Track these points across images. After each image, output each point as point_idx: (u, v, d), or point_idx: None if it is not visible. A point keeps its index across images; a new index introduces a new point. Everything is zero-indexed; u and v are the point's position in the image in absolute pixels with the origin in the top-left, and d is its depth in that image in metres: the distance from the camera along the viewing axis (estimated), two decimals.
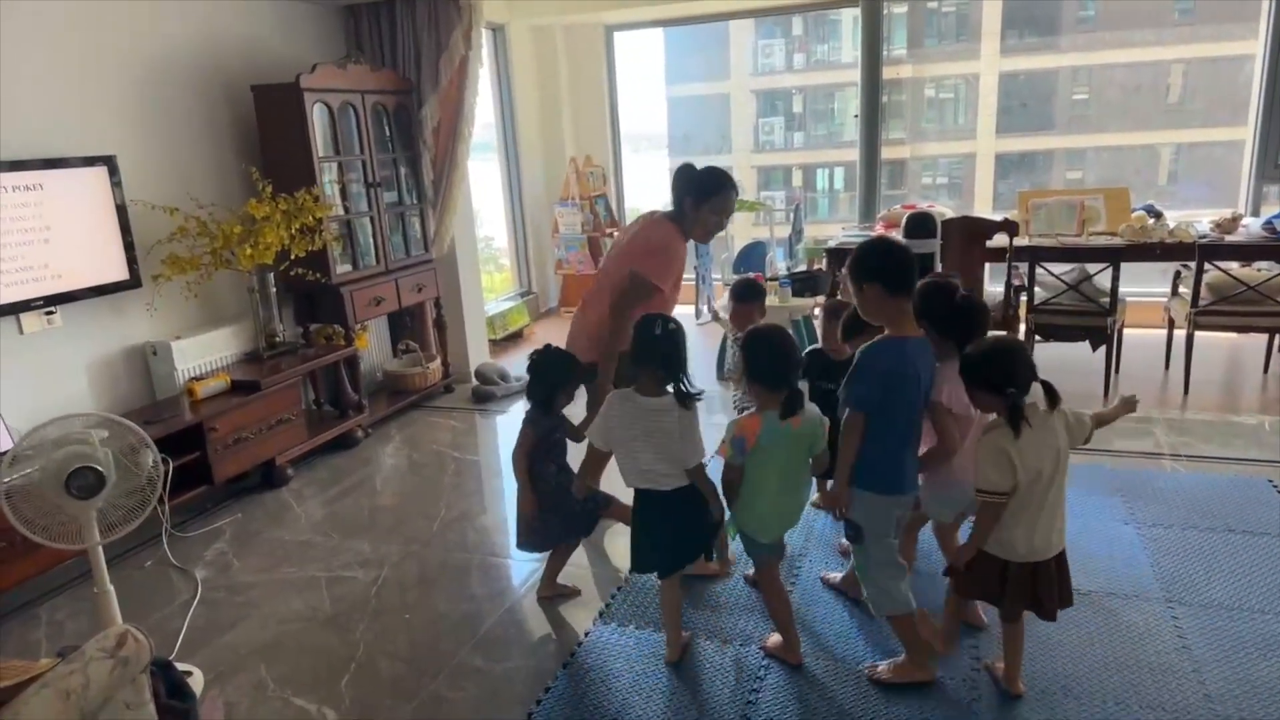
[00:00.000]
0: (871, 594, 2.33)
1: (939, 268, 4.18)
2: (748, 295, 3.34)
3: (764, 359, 2.28)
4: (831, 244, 5.30)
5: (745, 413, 2.36)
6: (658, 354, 2.34)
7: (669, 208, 3.09)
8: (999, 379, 2.04)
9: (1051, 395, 2.07)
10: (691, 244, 3.23)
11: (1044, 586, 2.15)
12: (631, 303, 2.91)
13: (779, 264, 6.40)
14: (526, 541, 2.81)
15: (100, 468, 2.22)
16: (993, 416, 2.11)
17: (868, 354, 2.20)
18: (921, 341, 2.22)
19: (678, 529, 2.43)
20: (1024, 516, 2.09)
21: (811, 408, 2.32)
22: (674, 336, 2.36)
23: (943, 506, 2.49)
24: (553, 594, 2.90)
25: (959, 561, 2.22)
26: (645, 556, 2.49)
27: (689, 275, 6.77)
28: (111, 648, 1.68)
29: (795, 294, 5.08)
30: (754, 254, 6.45)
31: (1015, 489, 2.06)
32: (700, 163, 3.07)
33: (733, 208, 3.08)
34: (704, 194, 2.97)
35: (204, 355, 3.91)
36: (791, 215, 6.75)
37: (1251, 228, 4.72)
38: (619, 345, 2.88)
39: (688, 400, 2.34)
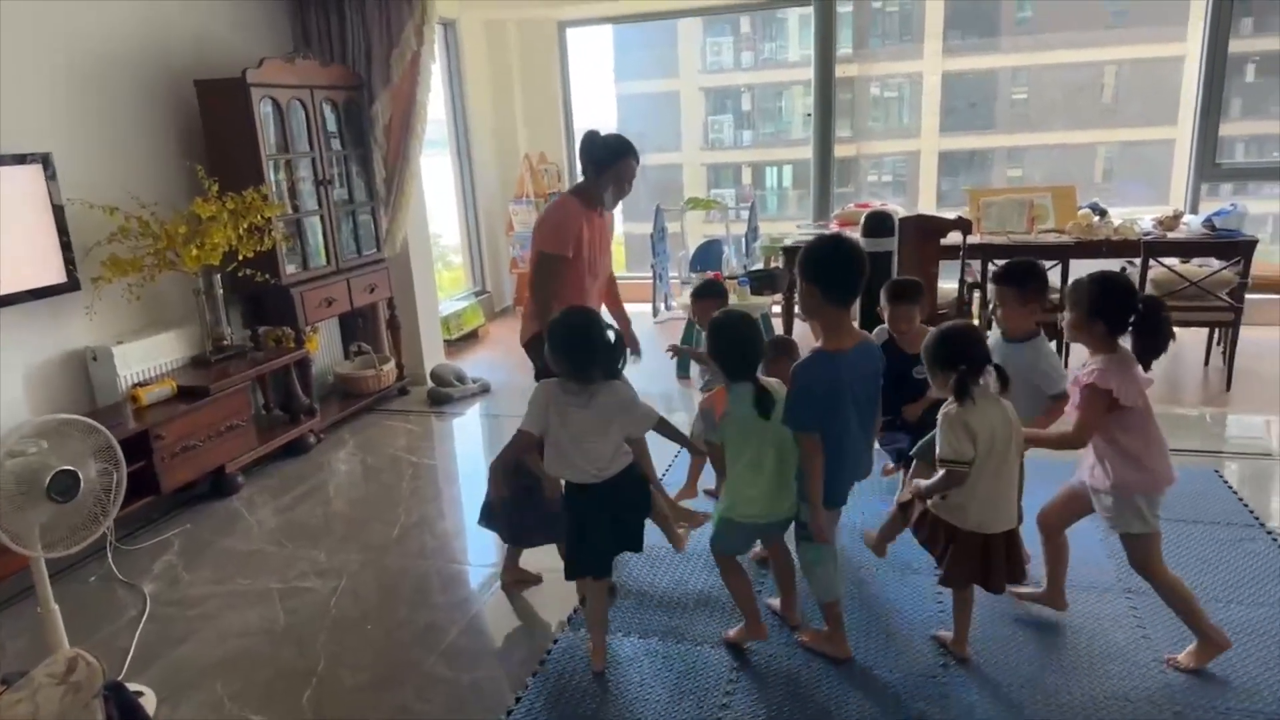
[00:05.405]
0: (819, 582, 2.41)
1: (895, 266, 4.23)
2: (706, 293, 3.42)
3: (725, 346, 2.34)
4: (788, 242, 5.33)
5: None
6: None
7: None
8: (954, 357, 2.19)
9: (1003, 378, 2.24)
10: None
11: (994, 559, 2.26)
12: (542, 279, 2.99)
13: (734, 262, 6.42)
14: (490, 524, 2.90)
15: (77, 470, 2.14)
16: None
17: (804, 374, 2.21)
18: (861, 349, 2.25)
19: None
20: (978, 487, 2.21)
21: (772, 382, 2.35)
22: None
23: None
24: (514, 579, 2.93)
25: (909, 511, 2.40)
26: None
27: (645, 274, 6.76)
28: (61, 673, 1.59)
29: (754, 292, 5.10)
30: (710, 252, 6.45)
31: (974, 460, 2.18)
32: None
33: (633, 173, 3.11)
34: (603, 164, 3.04)
35: (148, 360, 3.77)
36: (746, 213, 6.78)
37: (1192, 225, 4.86)
38: (542, 324, 2.86)
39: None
